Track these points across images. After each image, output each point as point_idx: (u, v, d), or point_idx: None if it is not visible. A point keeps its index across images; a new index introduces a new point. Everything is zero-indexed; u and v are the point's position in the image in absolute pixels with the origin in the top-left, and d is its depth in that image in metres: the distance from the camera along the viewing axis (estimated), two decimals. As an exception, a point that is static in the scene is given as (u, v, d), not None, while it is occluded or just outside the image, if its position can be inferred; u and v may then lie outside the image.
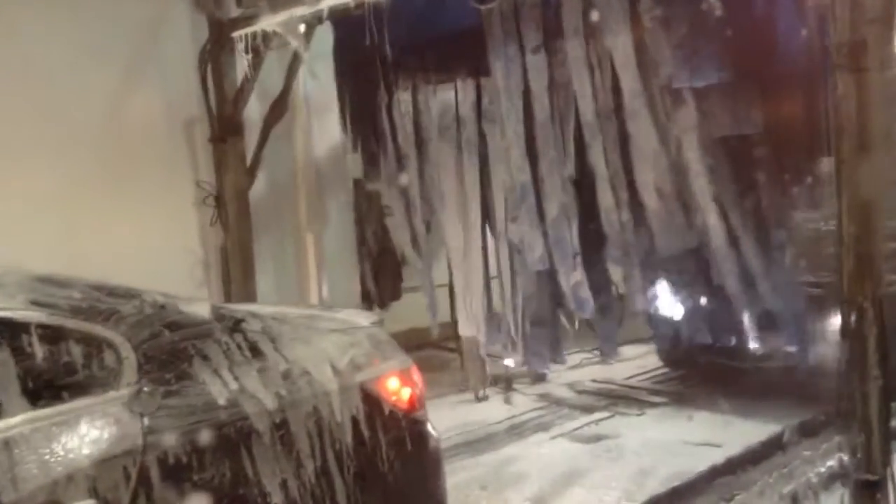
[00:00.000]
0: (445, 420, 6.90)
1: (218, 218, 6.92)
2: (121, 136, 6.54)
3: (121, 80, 6.60)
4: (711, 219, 5.87)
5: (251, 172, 6.93)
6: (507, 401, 7.58)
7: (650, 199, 5.97)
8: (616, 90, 5.93)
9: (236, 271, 6.81)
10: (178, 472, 2.74)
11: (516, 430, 6.80)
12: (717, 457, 5.71)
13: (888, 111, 4.21)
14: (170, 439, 2.73)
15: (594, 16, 5.83)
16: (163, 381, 2.82)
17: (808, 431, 5.91)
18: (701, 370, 7.41)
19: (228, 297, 6.82)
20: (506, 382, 7.84)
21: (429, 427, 3.54)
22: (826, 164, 5.55)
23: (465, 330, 7.41)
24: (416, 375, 3.53)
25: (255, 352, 3.10)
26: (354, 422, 3.19)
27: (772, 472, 5.37)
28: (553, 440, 6.60)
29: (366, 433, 3.24)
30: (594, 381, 7.82)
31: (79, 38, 6.21)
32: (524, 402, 7.51)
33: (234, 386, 2.93)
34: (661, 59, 5.69)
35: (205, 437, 2.80)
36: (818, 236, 5.94)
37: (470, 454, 6.26)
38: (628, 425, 6.74)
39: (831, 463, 5.25)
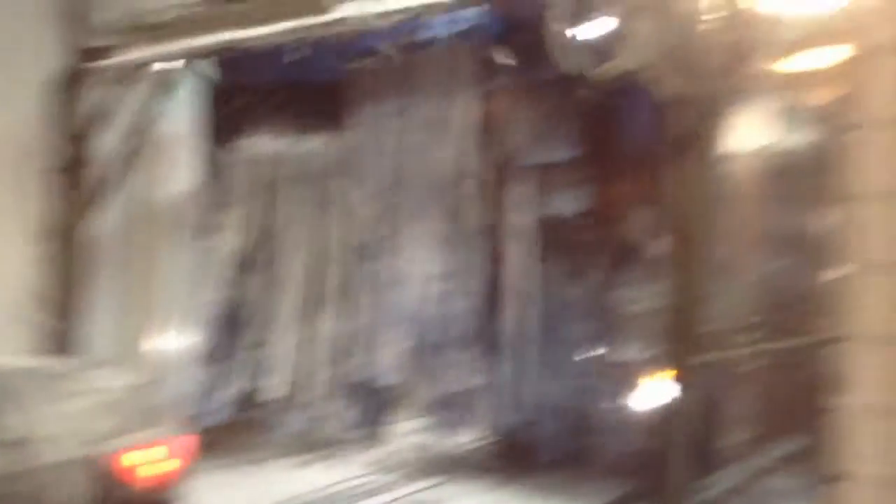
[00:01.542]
0: (270, 485, 6.71)
1: (48, 254, 6.50)
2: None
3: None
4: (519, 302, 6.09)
5: (93, 206, 6.60)
6: (334, 466, 7.43)
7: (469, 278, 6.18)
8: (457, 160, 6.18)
9: (65, 307, 6.40)
10: None
11: (350, 496, 6.67)
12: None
13: (714, 202, 4.65)
14: None
15: (445, 86, 6.11)
16: None
17: (629, 498, 6.16)
18: (526, 444, 7.52)
19: (50, 339, 6.37)
20: (333, 447, 7.68)
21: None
22: (655, 246, 6.02)
23: (277, 391, 7.24)
24: (186, 446, 3.20)
25: None
26: (97, 495, 2.79)
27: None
28: (383, 505, 6.53)
29: None
30: (423, 447, 7.83)
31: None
32: (352, 466, 7.39)
33: None
34: (502, 135, 6.03)
35: None
36: (635, 315, 6.33)
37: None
38: (463, 491, 6.76)
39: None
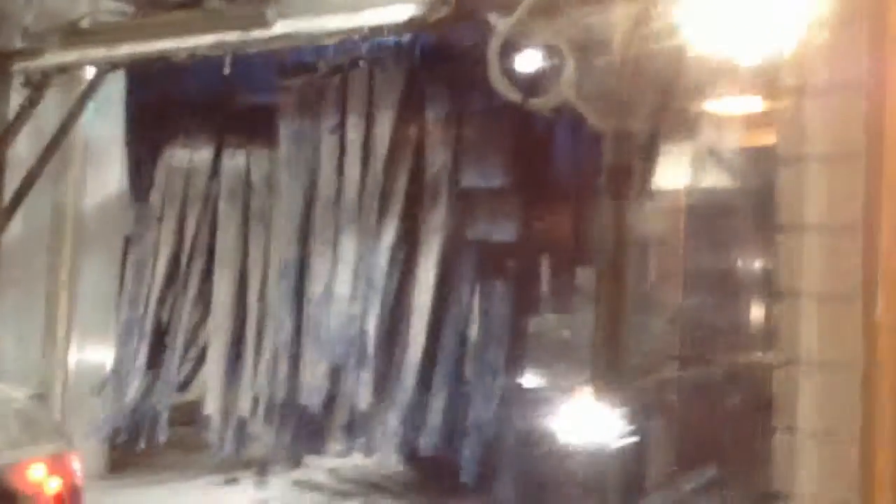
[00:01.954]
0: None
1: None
2: None
3: None
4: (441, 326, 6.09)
5: (7, 216, 6.33)
6: (260, 485, 7.31)
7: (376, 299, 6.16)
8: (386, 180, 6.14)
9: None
10: None
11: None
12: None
13: (643, 237, 4.73)
14: None
15: (377, 106, 6.10)
16: None
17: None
18: (444, 469, 7.44)
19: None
20: (259, 466, 7.56)
21: None
22: (582, 277, 6.09)
23: (208, 406, 7.08)
24: (75, 465, 3.04)
25: None
26: None
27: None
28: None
29: None
30: (355, 467, 7.75)
31: None
32: (279, 487, 7.28)
33: None
34: (431, 159, 6.03)
35: None
36: (559, 343, 6.38)
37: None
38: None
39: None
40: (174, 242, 6.97)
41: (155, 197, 7.04)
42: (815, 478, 2.73)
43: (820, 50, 3.04)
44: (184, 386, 7.35)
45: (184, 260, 7.00)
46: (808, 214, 2.77)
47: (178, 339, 7.21)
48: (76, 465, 3.02)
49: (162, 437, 7.20)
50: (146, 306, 7.18)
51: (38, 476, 2.89)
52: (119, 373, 7.31)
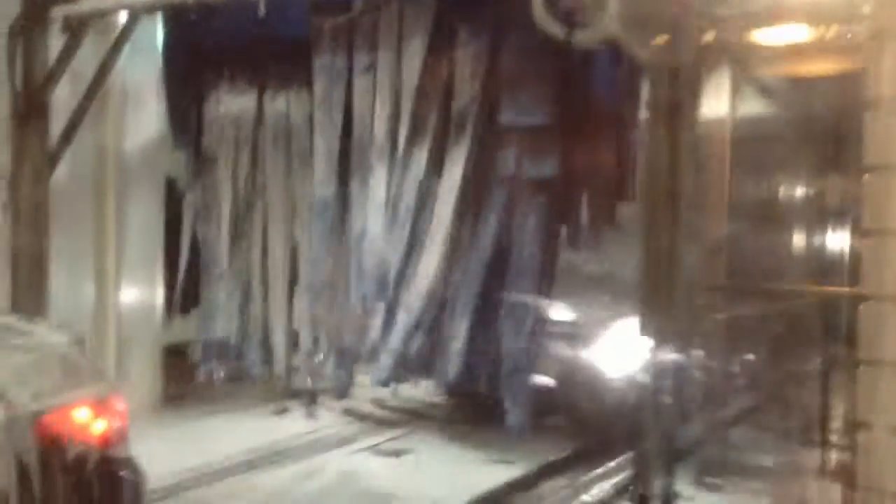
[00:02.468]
0: (243, 433, 6.82)
1: (10, 206, 6.35)
2: None
3: None
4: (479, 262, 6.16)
5: (54, 159, 6.43)
6: (310, 415, 7.57)
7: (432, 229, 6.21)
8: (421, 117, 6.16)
9: (27, 264, 6.27)
10: None
11: (318, 445, 6.81)
12: (512, 473, 6.06)
13: (692, 168, 4.73)
14: None
15: (412, 44, 6.06)
16: None
17: (590, 453, 6.40)
18: (485, 399, 7.61)
19: (16, 295, 6.26)
20: (309, 396, 7.81)
21: (127, 468, 3.02)
22: (627, 210, 6.12)
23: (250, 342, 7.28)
24: (118, 406, 3.02)
25: None
26: (20, 462, 2.62)
27: (563, 488, 5.75)
28: (355, 455, 6.68)
29: (37, 476, 2.67)
30: (398, 397, 7.99)
31: None
32: (327, 416, 7.54)
33: None
34: (471, 95, 5.99)
35: None
36: (601, 277, 6.44)
37: (268, 468, 6.18)
38: (429, 442, 6.95)
39: (619, 479, 5.75)
40: (232, 186, 7.10)
41: (207, 141, 7.10)
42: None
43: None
44: (233, 320, 7.55)
45: (241, 204, 7.14)
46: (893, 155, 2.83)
47: (226, 275, 7.41)
48: (120, 406, 3.04)
49: (214, 369, 7.51)
50: (218, 248, 7.36)
51: (83, 418, 2.90)
52: (172, 308, 7.55)
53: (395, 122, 6.30)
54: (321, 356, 7.14)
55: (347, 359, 7.07)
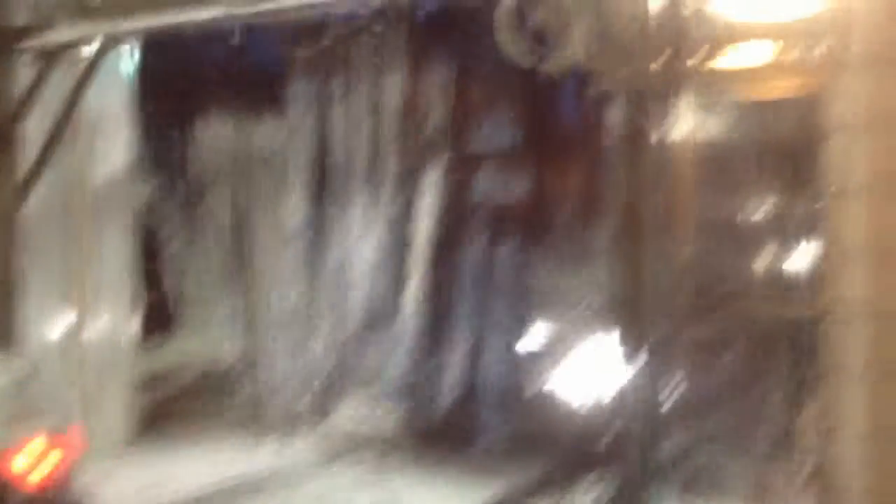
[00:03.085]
0: (220, 464, 6.78)
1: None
2: None
3: None
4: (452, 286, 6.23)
5: (25, 190, 6.41)
6: (287, 442, 7.52)
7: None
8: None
9: (-2, 296, 6.24)
10: None
11: (296, 474, 6.76)
12: (493, 494, 6.06)
13: (658, 191, 4.83)
14: None
15: (384, 70, 6.13)
16: None
17: (567, 471, 6.41)
18: (461, 425, 7.32)
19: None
20: (286, 423, 7.77)
21: (87, 500, 2.98)
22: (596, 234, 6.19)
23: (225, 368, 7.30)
24: (74, 441, 2.98)
25: None
26: None
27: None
28: (334, 481, 6.65)
29: None
30: (376, 422, 7.95)
31: None
32: (304, 444, 7.46)
33: None
34: (440, 121, 6.08)
35: None
36: (576, 300, 6.48)
37: (245, 499, 6.16)
38: (409, 467, 6.90)
39: (596, 496, 5.77)
40: (216, 217, 7.12)
41: (187, 171, 7.10)
42: (863, 413, 3.01)
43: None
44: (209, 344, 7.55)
45: (226, 235, 7.18)
46: (852, 180, 3.04)
47: (201, 300, 7.43)
48: (76, 441, 2.99)
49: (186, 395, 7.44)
50: (204, 277, 7.36)
51: (36, 454, 2.86)
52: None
53: (371, 149, 6.37)
54: (305, 384, 7.12)
55: (332, 387, 7.08)
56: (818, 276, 3.24)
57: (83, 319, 7.24)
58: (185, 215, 7.37)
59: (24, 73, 6.22)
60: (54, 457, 2.87)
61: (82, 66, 6.37)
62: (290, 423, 7.65)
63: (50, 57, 6.08)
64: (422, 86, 6.16)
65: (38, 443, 2.84)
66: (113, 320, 7.46)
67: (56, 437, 2.91)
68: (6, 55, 6.14)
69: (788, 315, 4.92)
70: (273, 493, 6.34)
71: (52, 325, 7.04)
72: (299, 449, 7.34)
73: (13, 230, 6.37)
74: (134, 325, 7.67)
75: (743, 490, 5.65)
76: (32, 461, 2.80)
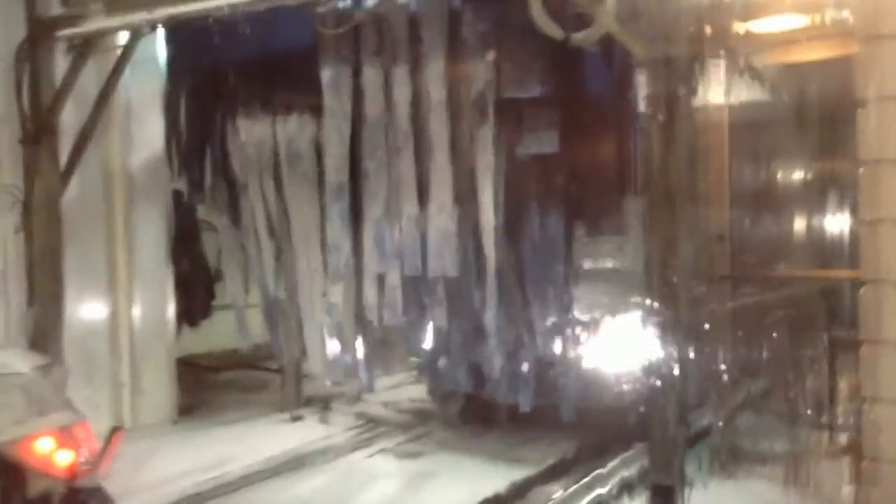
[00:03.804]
0: (260, 442, 6.91)
1: (23, 226, 6.45)
2: None
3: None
4: (489, 247, 6.12)
5: (65, 178, 6.53)
6: (324, 420, 7.66)
7: (437, 216, 6.17)
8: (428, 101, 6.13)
9: (43, 285, 6.36)
10: None
11: (334, 450, 6.89)
12: (527, 470, 6.13)
13: (690, 159, 4.83)
14: None
15: (416, 45, 6.07)
16: None
17: (602, 446, 6.46)
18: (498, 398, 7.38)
19: (33, 313, 6.35)
20: (322, 402, 7.91)
21: (96, 499, 2.93)
22: (629, 203, 6.19)
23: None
24: (84, 435, 2.91)
25: None
26: None
27: (574, 485, 5.82)
28: (371, 458, 6.77)
29: None
30: (411, 400, 8.08)
31: None
32: (342, 421, 7.62)
33: None
34: (474, 74, 6.00)
35: None
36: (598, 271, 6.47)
37: (286, 475, 6.27)
38: (444, 443, 7.03)
39: (630, 472, 5.83)
40: (233, 203, 7.17)
41: (207, 160, 7.14)
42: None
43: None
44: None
45: (247, 220, 7.26)
46: (888, 149, 3.03)
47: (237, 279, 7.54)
48: (87, 436, 2.93)
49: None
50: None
51: (46, 450, 2.80)
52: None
53: (411, 131, 6.21)
54: (343, 363, 7.14)
55: (370, 365, 7.11)
56: (857, 242, 3.24)
57: (123, 302, 7.39)
58: (223, 198, 7.44)
59: (60, 63, 6.30)
60: (64, 455, 2.86)
61: (116, 54, 6.48)
62: (324, 402, 7.77)
63: (85, 46, 6.16)
64: (453, 66, 6.10)
65: (46, 441, 2.83)
66: (152, 302, 7.61)
67: (65, 434, 2.88)
68: (44, 45, 6.23)
69: (828, 282, 4.94)
70: (313, 468, 6.46)
71: (93, 308, 7.19)
72: (335, 427, 7.46)
73: (57, 218, 6.49)
74: (172, 306, 7.81)
75: (779, 460, 5.67)
76: (42, 459, 2.80)
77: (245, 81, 6.83)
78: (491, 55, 5.97)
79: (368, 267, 6.54)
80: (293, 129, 6.85)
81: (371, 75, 6.31)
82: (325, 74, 6.36)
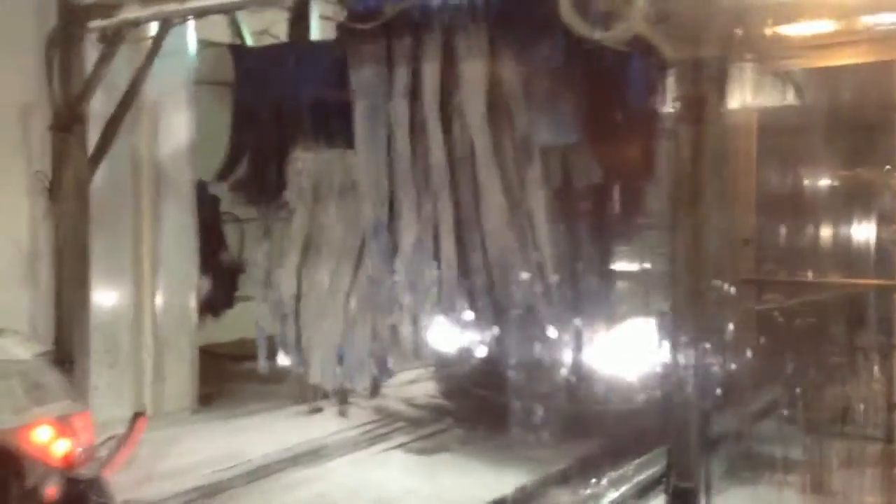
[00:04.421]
0: (279, 432, 6.95)
1: (52, 212, 6.53)
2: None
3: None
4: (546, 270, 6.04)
5: (93, 166, 6.60)
6: (343, 413, 7.68)
7: (493, 248, 6.08)
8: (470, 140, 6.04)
9: (70, 270, 6.44)
10: None
11: (351, 443, 6.92)
12: (545, 469, 6.12)
13: (718, 162, 4.79)
14: None
15: (455, 65, 5.99)
16: None
17: (620, 448, 6.43)
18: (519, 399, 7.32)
19: (60, 297, 6.44)
20: (340, 395, 7.92)
21: (94, 489, 2.90)
22: (656, 205, 6.15)
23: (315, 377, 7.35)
24: (83, 424, 2.91)
25: None
26: None
27: (595, 484, 5.81)
28: (387, 452, 6.78)
29: None
30: (430, 395, 8.09)
31: None
32: (360, 414, 7.65)
33: None
34: (517, 114, 5.94)
35: None
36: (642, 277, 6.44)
37: (304, 466, 6.30)
38: (461, 439, 7.04)
39: (651, 472, 5.80)
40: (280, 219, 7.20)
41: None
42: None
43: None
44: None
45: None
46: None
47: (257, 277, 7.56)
48: (85, 425, 2.93)
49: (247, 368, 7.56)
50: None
51: (44, 438, 2.80)
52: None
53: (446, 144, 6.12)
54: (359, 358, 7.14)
55: (385, 361, 7.08)
56: (883, 249, 3.17)
57: (147, 290, 7.46)
58: (250, 191, 7.47)
59: (90, 53, 6.36)
60: (62, 444, 2.87)
61: (146, 44, 6.54)
62: (344, 395, 7.78)
63: (116, 35, 6.22)
64: (488, 72, 5.97)
65: (44, 430, 2.84)
66: (175, 292, 7.67)
67: (63, 423, 2.89)
68: (76, 34, 6.30)
69: (853, 289, 4.86)
70: (330, 459, 6.48)
71: (118, 296, 7.26)
72: (353, 420, 7.48)
73: (85, 206, 6.57)
74: (195, 296, 7.87)
75: (803, 468, 5.62)
76: (39, 448, 2.80)
77: (309, 113, 6.83)
78: (532, 94, 5.89)
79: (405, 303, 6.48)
80: (350, 163, 6.78)
81: (404, 113, 6.16)
82: (358, 109, 6.26)
